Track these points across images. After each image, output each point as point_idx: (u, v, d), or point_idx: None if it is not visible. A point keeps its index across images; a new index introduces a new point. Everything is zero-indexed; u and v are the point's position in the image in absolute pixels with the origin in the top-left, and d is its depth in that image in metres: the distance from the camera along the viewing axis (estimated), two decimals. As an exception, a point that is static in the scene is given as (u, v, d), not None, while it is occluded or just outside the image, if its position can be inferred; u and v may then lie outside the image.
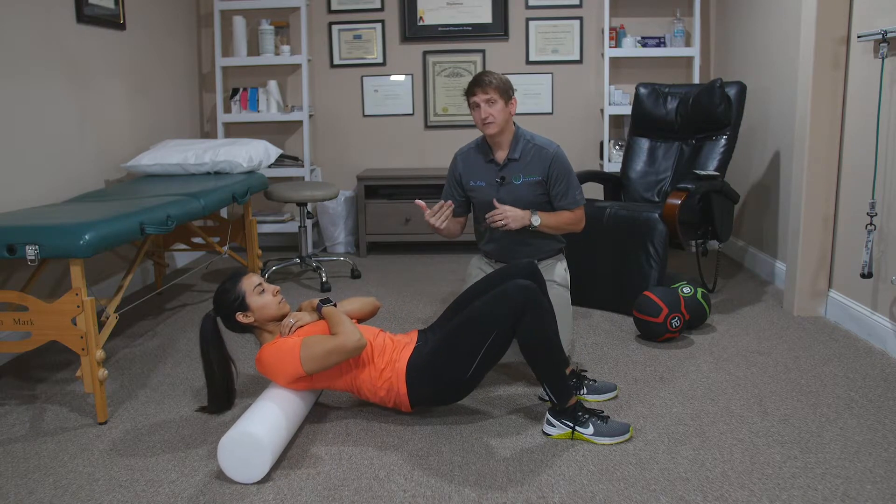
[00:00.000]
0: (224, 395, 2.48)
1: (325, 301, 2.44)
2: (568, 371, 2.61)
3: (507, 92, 2.77)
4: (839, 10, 3.14)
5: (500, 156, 2.87)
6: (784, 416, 2.40)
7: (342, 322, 2.30)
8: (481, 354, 2.27)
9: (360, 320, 2.57)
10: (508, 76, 2.87)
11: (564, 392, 2.27)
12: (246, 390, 2.70)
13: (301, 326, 2.38)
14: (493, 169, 2.88)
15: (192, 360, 3.02)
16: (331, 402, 2.58)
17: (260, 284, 2.40)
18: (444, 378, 2.32)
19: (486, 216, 2.78)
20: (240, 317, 2.37)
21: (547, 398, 2.49)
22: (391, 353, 2.37)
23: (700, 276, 3.86)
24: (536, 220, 2.78)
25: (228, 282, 2.41)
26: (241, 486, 2.04)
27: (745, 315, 3.47)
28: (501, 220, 2.73)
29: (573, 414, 2.26)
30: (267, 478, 2.08)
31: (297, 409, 2.29)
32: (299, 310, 2.49)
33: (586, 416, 2.26)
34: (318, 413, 2.50)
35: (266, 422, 2.11)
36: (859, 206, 3.08)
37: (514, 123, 2.87)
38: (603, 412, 2.32)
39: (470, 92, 2.77)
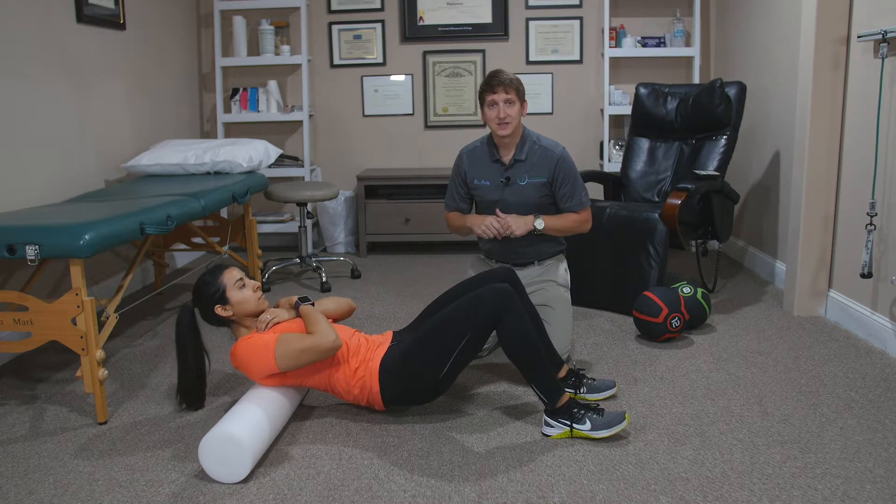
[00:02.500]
0: (196, 387, 2.48)
1: (304, 299, 2.45)
2: (566, 371, 2.62)
3: (522, 94, 2.79)
4: (839, 10, 3.14)
5: (507, 156, 2.87)
6: (784, 416, 2.40)
7: (319, 321, 2.31)
8: (454, 357, 2.29)
9: (335, 320, 2.58)
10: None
11: (554, 391, 2.28)
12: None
13: (277, 323, 2.39)
14: (499, 169, 2.88)
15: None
16: (330, 403, 2.58)
17: (241, 279, 2.42)
18: (417, 378, 2.33)
19: (480, 231, 2.80)
20: (218, 310, 2.38)
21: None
22: (365, 352, 2.39)
23: (700, 276, 3.86)
24: (540, 223, 2.78)
25: (209, 274, 2.42)
26: (240, 486, 2.04)
27: (745, 315, 3.47)
28: (507, 231, 2.75)
29: (568, 412, 2.26)
30: (267, 478, 2.08)
31: (278, 409, 2.29)
32: (277, 306, 2.50)
33: (582, 411, 2.26)
34: (317, 413, 2.50)
35: (246, 422, 2.11)
36: (859, 206, 3.08)
37: (522, 125, 2.88)
38: (598, 405, 2.32)
39: (490, 89, 2.74)
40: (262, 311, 2.43)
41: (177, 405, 2.55)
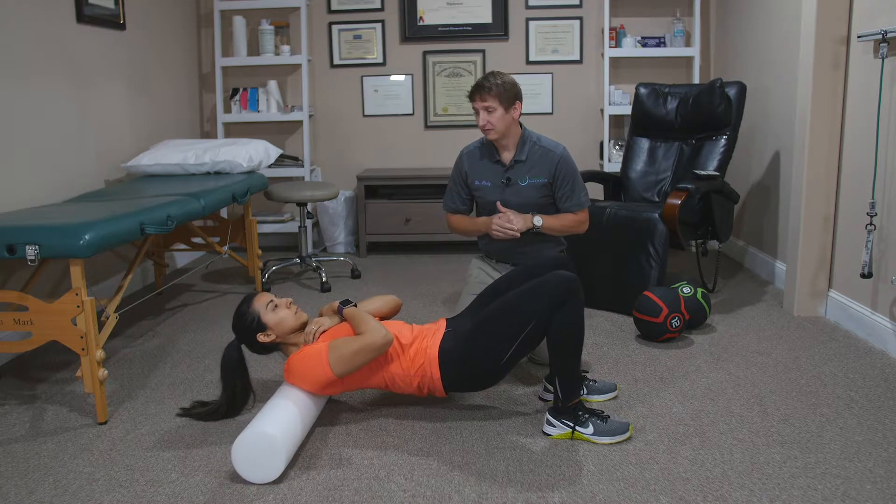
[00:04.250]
0: (231, 415, 2.47)
1: (345, 302, 2.43)
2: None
3: (508, 98, 2.73)
4: (839, 10, 3.14)
5: (507, 157, 2.87)
6: (784, 416, 2.40)
7: (365, 320, 2.30)
8: (518, 342, 2.25)
9: (382, 318, 2.55)
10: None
11: (573, 390, 2.27)
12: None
13: (324, 331, 2.38)
14: (499, 169, 2.87)
15: (192, 360, 3.02)
16: (330, 403, 2.58)
17: (272, 301, 2.40)
18: (479, 362, 2.30)
19: (492, 233, 2.79)
20: (261, 337, 2.37)
21: (548, 398, 2.49)
22: (421, 340, 2.36)
23: (700, 276, 3.86)
24: (538, 220, 2.78)
25: (242, 306, 2.42)
26: (241, 486, 2.04)
27: (745, 315, 3.47)
28: (508, 233, 2.74)
29: (573, 413, 2.27)
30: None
31: (310, 410, 2.28)
32: (320, 315, 2.48)
33: (586, 415, 2.26)
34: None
35: (282, 422, 2.10)
36: (859, 206, 3.08)
37: (521, 125, 2.87)
38: (603, 412, 2.32)
39: (471, 97, 2.77)
40: (303, 325, 2.42)
41: (184, 412, 2.52)
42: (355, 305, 2.42)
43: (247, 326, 2.38)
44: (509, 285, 2.49)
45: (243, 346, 2.43)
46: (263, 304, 2.39)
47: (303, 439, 2.23)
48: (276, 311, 2.39)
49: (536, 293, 2.26)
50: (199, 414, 2.47)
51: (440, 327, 2.44)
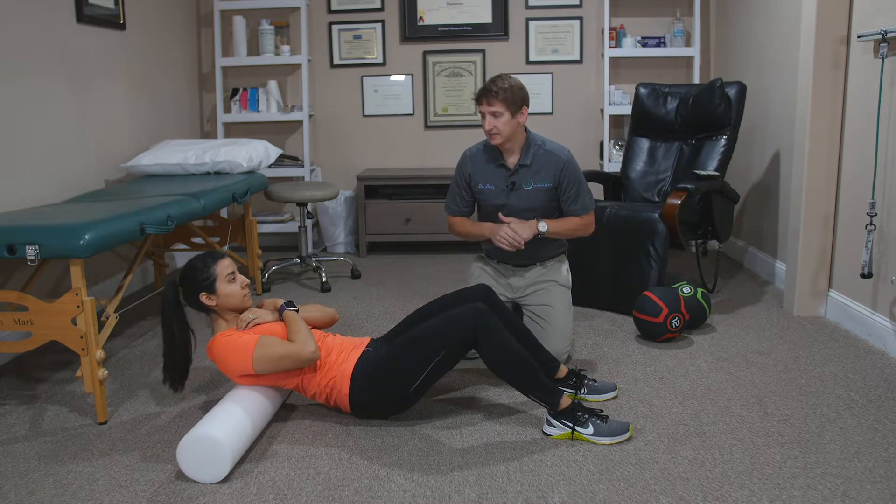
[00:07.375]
0: (181, 364, 2.43)
1: (290, 304, 2.45)
2: (566, 371, 2.61)
3: (515, 103, 2.68)
4: (839, 10, 3.14)
5: (511, 161, 2.84)
6: (784, 416, 2.40)
7: (300, 330, 2.32)
8: (426, 373, 2.30)
9: (315, 328, 2.57)
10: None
11: (551, 396, 2.27)
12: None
13: (259, 324, 2.39)
14: (504, 173, 2.85)
15: (193, 360, 3.02)
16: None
17: (233, 273, 2.41)
18: (387, 389, 2.34)
19: (497, 241, 2.76)
20: (203, 297, 2.37)
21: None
22: (338, 353, 2.39)
23: (700, 276, 3.86)
24: (543, 226, 2.77)
25: (201, 260, 2.41)
26: (241, 485, 2.04)
27: (745, 315, 3.47)
28: (514, 244, 2.72)
29: (572, 414, 2.26)
30: (267, 478, 2.08)
31: (259, 408, 2.29)
32: (260, 306, 2.49)
33: (586, 415, 2.26)
34: (317, 413, 2.50)
35: (223, 423, 2.12)
36: (859, 206, 3.08)
37: (526, 128, 2.83)
38: (602, 412, 2.32)
39: (477, 100, 2.73)
40: (244, 309, 2.43)
41: (163, 383, 2.48)
42: (297, 311, 2.44)
43: (198, 281, 2.37)
44: (429, 314, 2.52)
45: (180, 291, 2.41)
46: (225, 271, 2.39)
47: (253, 438, 2.22)
48: (231, 285, 2.39)
49: (444, 327, 2.31)
50: (166, 370, 2.43)
51: (362, 343, 2.46)
